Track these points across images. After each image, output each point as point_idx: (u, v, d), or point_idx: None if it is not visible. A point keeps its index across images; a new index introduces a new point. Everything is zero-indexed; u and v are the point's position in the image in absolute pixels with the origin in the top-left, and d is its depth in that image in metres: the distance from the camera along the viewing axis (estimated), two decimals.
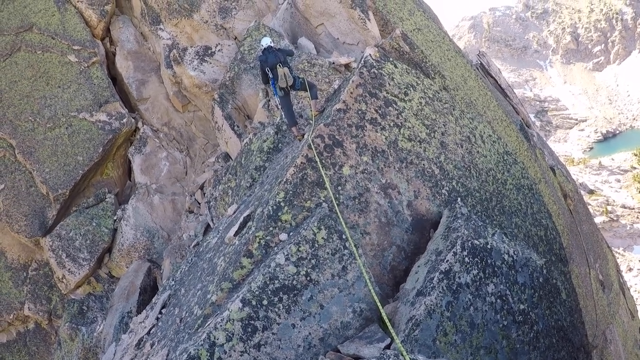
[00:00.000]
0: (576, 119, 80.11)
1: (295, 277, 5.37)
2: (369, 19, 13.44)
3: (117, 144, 15.04)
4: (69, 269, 13.57)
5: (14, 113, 14.52)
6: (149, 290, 12.34)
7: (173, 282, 8.07)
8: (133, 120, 15.18)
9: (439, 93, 8.53)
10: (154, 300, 8.49)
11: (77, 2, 15.94)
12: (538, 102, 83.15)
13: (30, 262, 14.55)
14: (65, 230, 13.90)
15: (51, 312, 14.10)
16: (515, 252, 6.34)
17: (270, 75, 7.81)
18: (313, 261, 5.49)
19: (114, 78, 16.16)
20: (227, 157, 13.86)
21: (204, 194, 13.34)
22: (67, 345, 13.24)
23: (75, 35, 15.42)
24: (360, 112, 6.80)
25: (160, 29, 15.87)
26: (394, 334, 4.68)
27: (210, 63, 14.98)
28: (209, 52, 15.14)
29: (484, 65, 21.77)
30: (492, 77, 21.48)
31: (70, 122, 14.50)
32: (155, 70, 16.42)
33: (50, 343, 14.35)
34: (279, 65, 7.64)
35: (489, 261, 5.99)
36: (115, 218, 14.35)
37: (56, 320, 14.10)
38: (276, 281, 5.29)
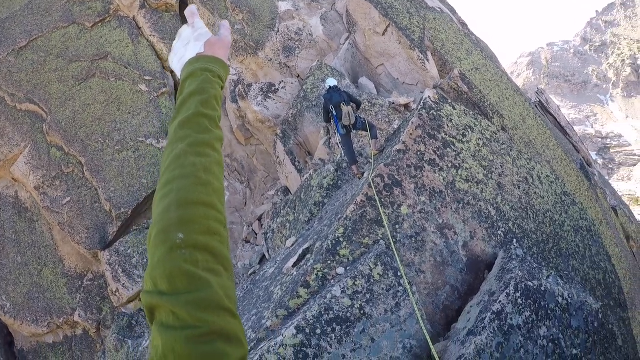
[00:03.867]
0: None
1: (350, 309, 5.51)
2: (427, 60, 13.65)
3: None
4: (124, 284, 13.91)
5: (85, 133, 15.28)
6: None
7: None
8: None
9: (496, 134, 8.59)
10: None
11: (150, 35, 16.93)
12: (600, 139, 79.79)
13: (87, 273, 15.00)
14: (124, 247, 14.34)
15: (100, 322, 14.47)
16: (570, 295, 6.22)
17: (334, 113, 8.10)
18: (368, 295, 5.63)
19: None
20: (286, 191, 14.16)
21: (262, 225, 13.62)
22: (112, 355, 13.57)
23: (147, 66, 16.34)
24: (419, 153, 6.98)
25: None
26: None
27: (274, 99, 15.53)
28: (273, 89, 15.72)
29: (543, 102, 21.46)
30: (551, 114, 21.12)
31: (138, 147, 15.19)
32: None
33: (95, 351, 14.70)
34: (343, 104, 7.92)
35: (542, 303, 5.89)
36: None
37: (104, 330, 14.47)
38: (331, 312, 5.44)
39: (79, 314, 14.46)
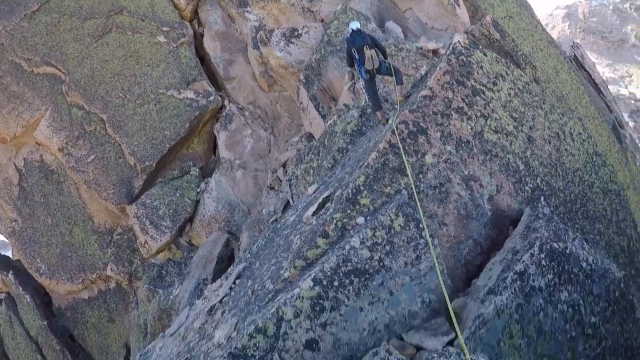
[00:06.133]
0: None
1: (369, 261, 5.37)
2: (458, 4, 13.01)
3: (204, 121, 15.57)
4: (152, 236, 14.31)
5: (105, 90, 15.32)
6: (225, 260, 12.81)
7: (249, 255, 8.33)
8: (219, 98, 15.60)
9: (529, 85, 8.16)
10: (229, 270, 8.80)
11: None
12: (633, 102, 76.68)
13: (116, 227, 15.46)
14: (150, 199, 14.63)
15: (132, 274, 14.96)
16: (595, 261, 5.98)
17: (357, 57, 7.75)
18: (387, 247, 5.46)
19: (202, 58, 16.64)
20: (310, 137, 14.00)
21: (286, 171, 13.52)
22: (144, 305, 14.08)
23: (164, 17, 15.98)
24: (446, 100, 6.65)
25: (248, 11, 16.05)
26: (458, 331, 4.62)
27: (297, 45, 15.06)
28: (296, 33, 15.20)
29: (578, 57, 20.48)
30: (585, 70, 20.18)
31: (159, 99, 15.12)
32: (242, 50, 16.71)
33: (129, 302, 15.30)
34: (366, 47, 7.57)
35: (566, 267, 5.71)
36: (198, 190, 14.93)
37: (136, 281, 14.96)
38: (349, 264, 5.32)
39: (110, 268, 14.99)
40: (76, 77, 15.44)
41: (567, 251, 5.77)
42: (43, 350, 15.83)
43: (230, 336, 5.66)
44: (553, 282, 5.54)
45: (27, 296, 16.18)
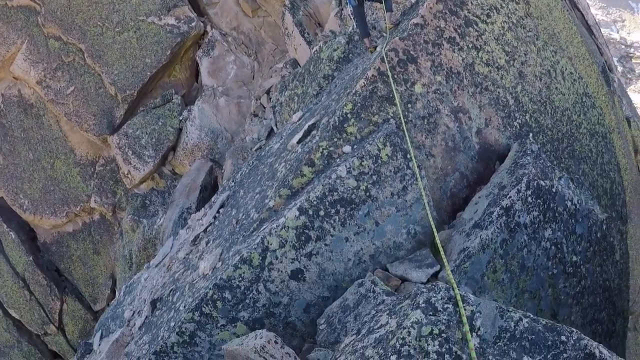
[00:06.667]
0: None
1: (355, 191, 5.32)
2: None
3: (185, 47, 15.20)
4: (134, 165, 14.35)
5: (82, 19, 14.89)
6: (209, 188, 12.85)
7: (233, 183, 8.27)
8: (201, 24, 15.18)
9: (523, 19, 7.95)
10: (213, 199, 8.76)
11: None
12: (623, 47, 76.05)
13: (98, 159, 15.45)
14: (132, 129, 14.54)
15: (115, 205, 15.09)
16: (579, 201, 6.02)
17: None
18: (374, 177, 5.41)
19: None
20: (295, 63, 13.74)
21: (270, 98, 13.38)
22: (129, 235, 14.19)
23: None
24: (438, 29, 6.44)
25: None
26: (445, 262, 4.61)
27: None
28: None
29: None
30: (579, 10, 19.81)
31: (139, 26, 14.72)
32: None
33: (113, 233, 15.44)
34: None
35: (551, 205, 5.72)
36: (181, 118, 14.77)
37: (120, 212, 15.09)
38: (335, 193, 5.27)
39: (94, 200, 15.07)
40: (52, 8, 15.00)
41: (553, 189, 5.78)
42: (30, 286, 16.04)
43: (215, 267, 5.67)
44: (538, 220, 5.57)
45: (11, 233, 16.20)
